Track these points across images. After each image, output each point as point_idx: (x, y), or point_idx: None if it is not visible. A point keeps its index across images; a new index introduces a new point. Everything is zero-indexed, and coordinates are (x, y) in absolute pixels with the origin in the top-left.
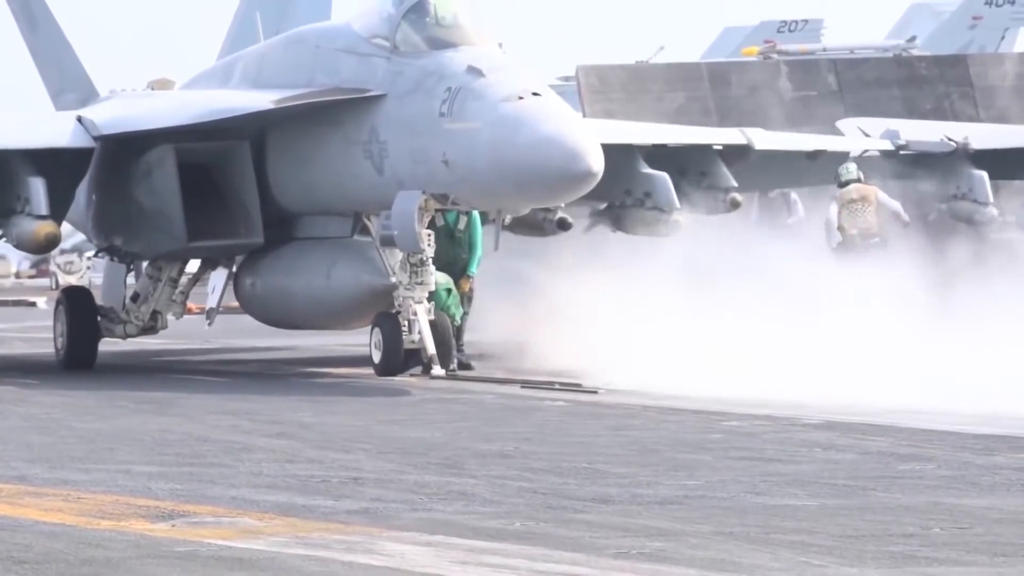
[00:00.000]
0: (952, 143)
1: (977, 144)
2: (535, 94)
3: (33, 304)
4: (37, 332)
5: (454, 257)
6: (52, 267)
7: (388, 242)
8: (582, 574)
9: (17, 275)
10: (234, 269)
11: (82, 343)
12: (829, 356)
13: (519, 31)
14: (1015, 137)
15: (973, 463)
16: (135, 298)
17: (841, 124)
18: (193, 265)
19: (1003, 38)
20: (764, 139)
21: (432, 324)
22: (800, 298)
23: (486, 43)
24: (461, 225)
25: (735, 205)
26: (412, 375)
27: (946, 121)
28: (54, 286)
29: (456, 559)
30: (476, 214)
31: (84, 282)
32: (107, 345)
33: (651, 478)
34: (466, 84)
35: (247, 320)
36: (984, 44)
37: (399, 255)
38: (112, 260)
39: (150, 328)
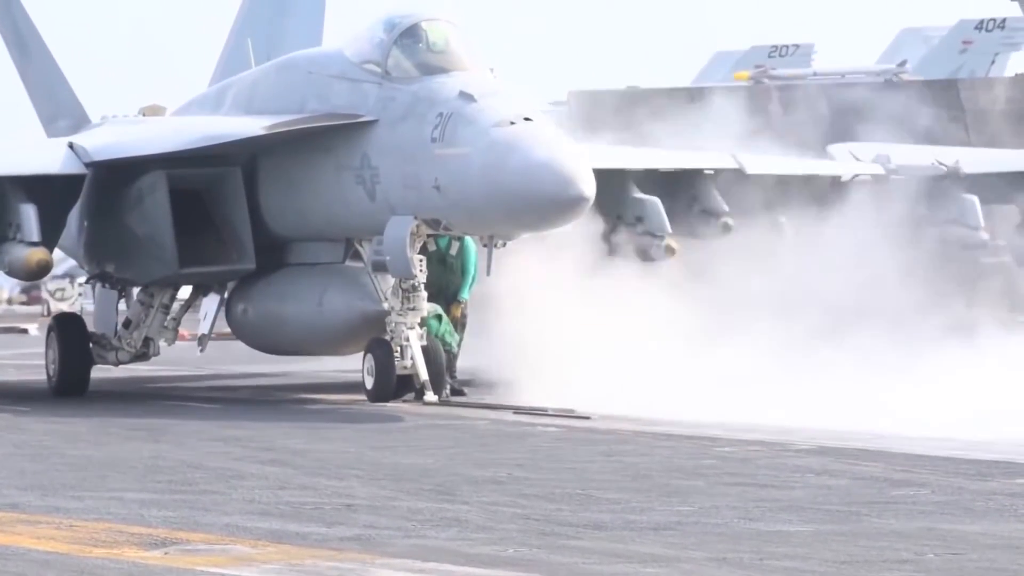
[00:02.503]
0: (943, 167)
1: (968, 168)
2: (527, 119)
3: (25, 331)
4: (29, 359)
5: (446, 282)
6: (43, 294)
7: (380, 268)
8: None
9: (9, 301)
10: (226, 295)
11: (74, 370)
12: (821, 380)
13: (510, 56)
14: (1006, 161)
15: (967, 488)
16: (127, 324)
17: (832, 148)
18: (185, 291)
19: (993, 63)
20: (755, 163)
21: (424, 350)
22: (792, 322)
23: (477, 68)
24: (453, 250)
25: (727, 229)
26: (405, 401)
27: (937, 145)
28: (46, 313)
29: None
30: (469, 239)
31: (76, 309)
32: (99, 372)
33: (644, 504)
34: (458, 109)
35: (239, 346)
36: (974, 69)
37: (391, 281)
38: (104, 287)
39: (142, 355)
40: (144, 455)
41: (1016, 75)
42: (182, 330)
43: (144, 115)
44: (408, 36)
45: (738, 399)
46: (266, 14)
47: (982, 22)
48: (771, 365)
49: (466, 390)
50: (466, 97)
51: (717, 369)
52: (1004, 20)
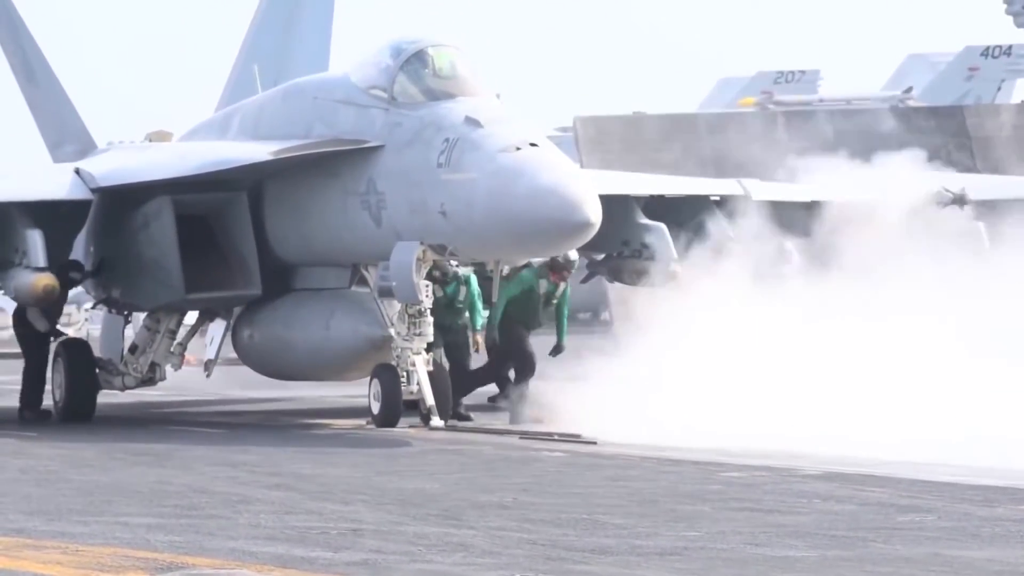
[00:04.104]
0: (949, 194)
1: (975, 195)
2: (532, 145)
3: None
4: None
5: (451, 322)
6: None
7: (386, 293)
8: None
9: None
10: (232, 321)
11: (80, 395)
12: (827, 405)
13: (517, 82)
14: (1012, 188)
15: (973, 514)
16: (133, 350)
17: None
18: (191, 317)
19: (999, 89)
20: (761, 190)
21: (431, 375)
22: (796, 347)
23: (484, 94)
24: (461, 295)
25: (733, 256)
26: (411, 426)
27: (943, 172)
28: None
29: None
30: (475, 285)
31: (82, 334)
32: (105, 397)
33: (650, 529)
34: (464, 135)
35: (245, 371)
36: (981, 95)
37: (397, 306)
38: (110, 312)
39: (148, 380)
40: (150, 480)
41: (1022, 101)
42: (188, 355)
43: (151, 141)
44: (414, 62)
45: (745, 423)
46: (273, 40)
47: (988, 49)
48: (776, 388)
49: (472, 415)
50: (472, 123)
51: (723, 393)
52: (1010, 47)
